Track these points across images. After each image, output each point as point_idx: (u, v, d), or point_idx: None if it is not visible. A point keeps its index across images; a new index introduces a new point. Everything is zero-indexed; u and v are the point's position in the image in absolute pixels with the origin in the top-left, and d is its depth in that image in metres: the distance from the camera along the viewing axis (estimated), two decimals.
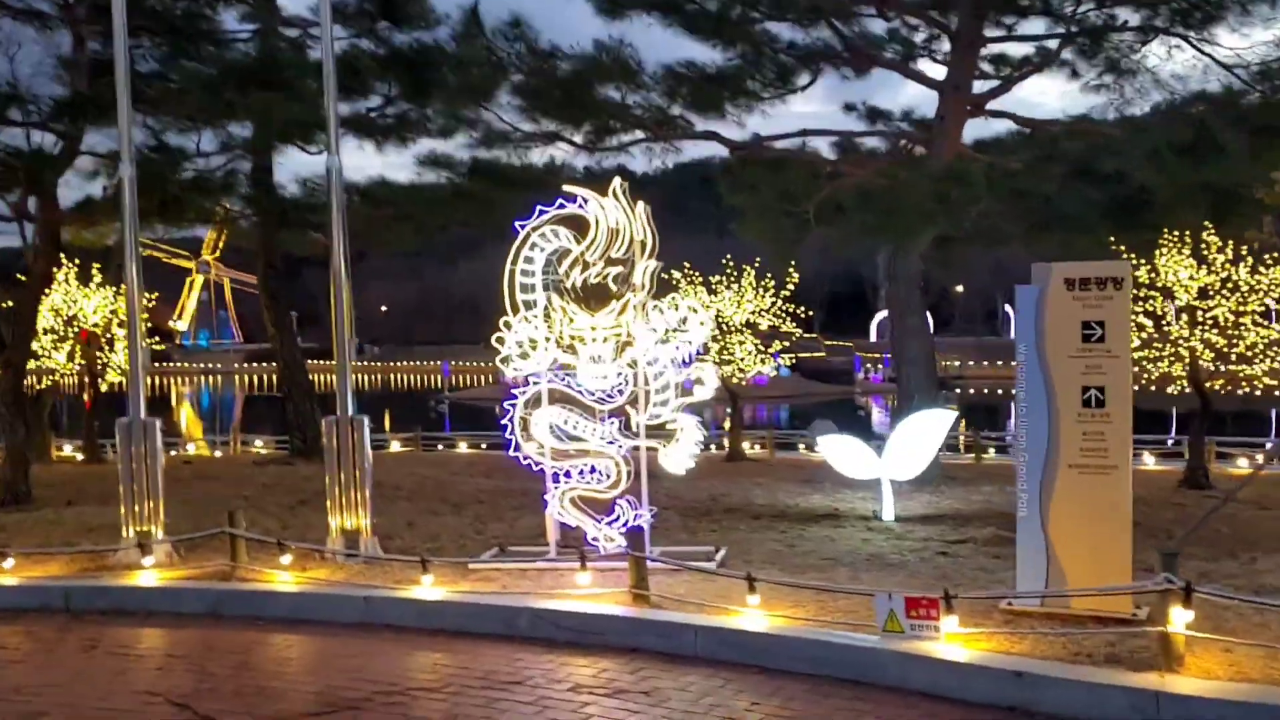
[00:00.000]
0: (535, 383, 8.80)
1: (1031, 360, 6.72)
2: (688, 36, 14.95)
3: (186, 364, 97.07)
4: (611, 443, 8.64)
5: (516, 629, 7.41)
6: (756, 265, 16.92)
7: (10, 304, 14.51)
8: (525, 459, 8.87)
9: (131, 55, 10.95)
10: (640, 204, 8.65)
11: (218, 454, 24.00)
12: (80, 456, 19.56)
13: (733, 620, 6.85)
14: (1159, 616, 5.83)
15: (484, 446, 22.29)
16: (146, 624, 8.26)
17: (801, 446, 21.30)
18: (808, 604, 7.09)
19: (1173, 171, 10.76)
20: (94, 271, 18.75)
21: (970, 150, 14.21)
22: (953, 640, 6.20)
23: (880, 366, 73.09)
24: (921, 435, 10.15)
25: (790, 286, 16.43)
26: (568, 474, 8.79)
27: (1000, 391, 63.46)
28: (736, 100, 14.70)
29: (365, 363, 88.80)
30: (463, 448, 21.57)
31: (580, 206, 8.70)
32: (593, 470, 8.72)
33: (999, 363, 73.57)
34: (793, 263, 16.34)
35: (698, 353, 8.65)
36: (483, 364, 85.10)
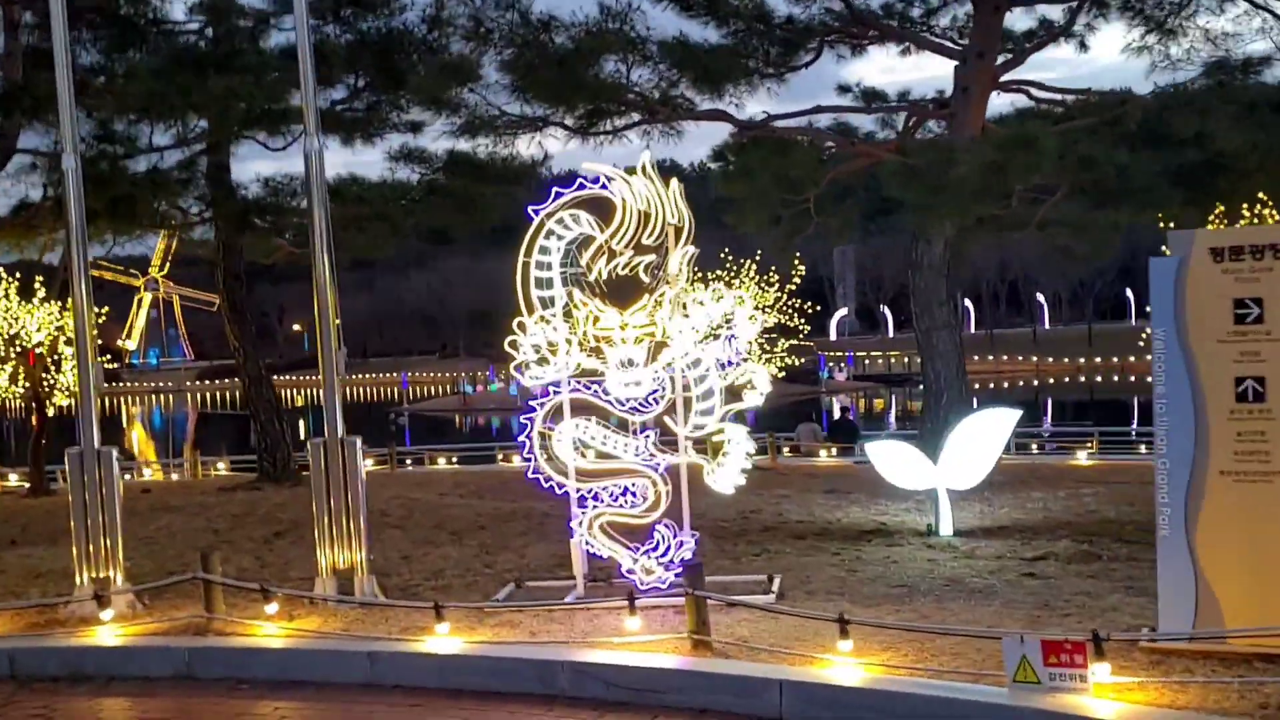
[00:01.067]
0: (556, 392, 7.59)
1: (1171, 347, 5.62)
2: (680, 13, 13.89)
3: (137, 383, 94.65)
4: (648, 459, 7.45)
5: (556, 687, 6.20)
6: (758, 258, 15.90)
7: None
8: (547, 480, 7.63)
9: (72, 44, 9.64)
10: (674, 182, 7.50)
11: (174, 477, 22.56)
12: (26, 486, 18.02)
13: (823, 672, 5.67)
14: None
15: (455, 460, 21.12)
16: (107, 692, 6.94)
17: (786, 449, 20.24)
18: (901, 646, 5.94)
19: (1268, 132, 9.77)
20: (37, 285, 17.23)
21: (993, 124, 13.20)
22: (1103, 693, 5.07)
23: (844, 365, 72.54)
24: (982, 438, 9.04)
25: (796, 280, 15.36)
26: (596, 496, 7.57)
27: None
28: (737, 79, 13.60)
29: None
30: (441, 463, 20.30)
31: (603, 187, 7.54)
32: (626, 492, 7.51)
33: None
34: (797, 255, 15.26)
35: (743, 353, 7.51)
36: (440, 375, 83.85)
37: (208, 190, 14.93)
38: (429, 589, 8.28)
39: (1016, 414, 9.27)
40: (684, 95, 13.32)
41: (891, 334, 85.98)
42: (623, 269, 7.48)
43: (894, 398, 57.36)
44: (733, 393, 7.49)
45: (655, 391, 7.45)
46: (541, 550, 9.48)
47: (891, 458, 9.55)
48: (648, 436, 7.47)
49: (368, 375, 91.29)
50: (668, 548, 7.43)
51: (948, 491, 9.39)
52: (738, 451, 7.38)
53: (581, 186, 7.59)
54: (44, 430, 17.66)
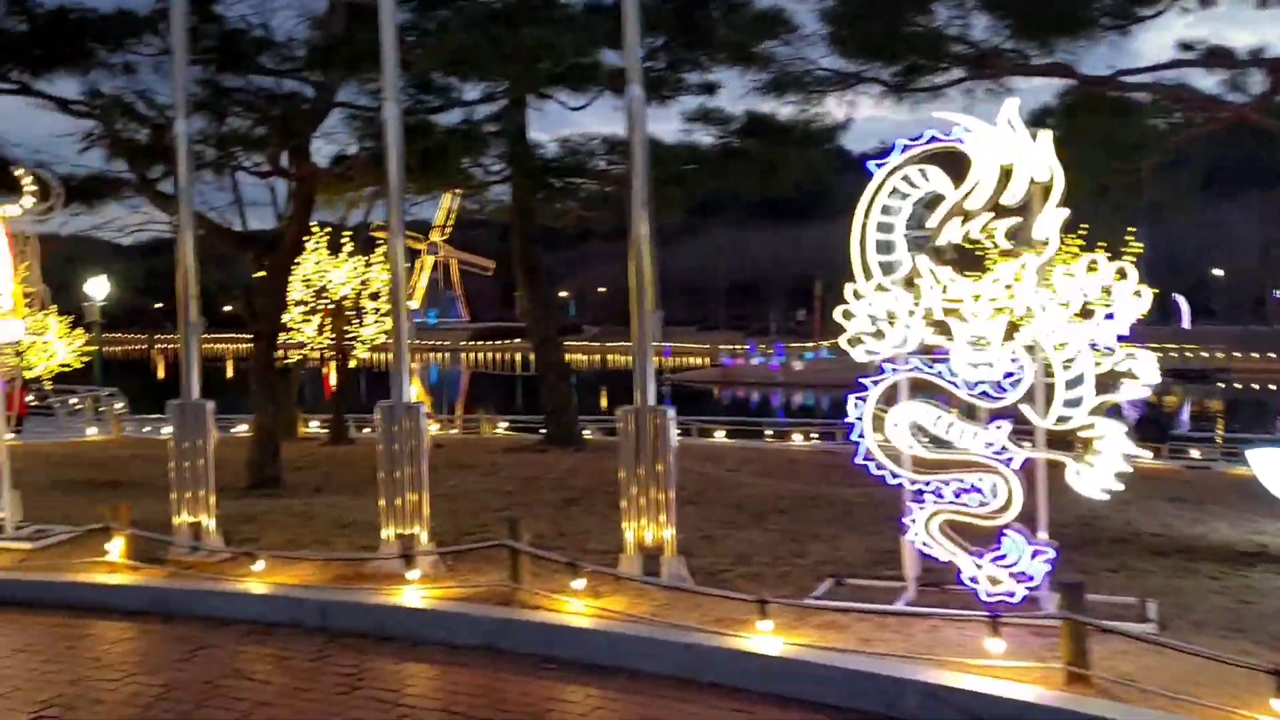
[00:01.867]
0: (894, 370, 6.74)
1: None
2: None
3: (418, 341, 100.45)
4: (999, 453, 6.47)
5: (901, 709, 5.40)
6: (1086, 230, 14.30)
7: (262, 273, 13.66)
8: (879, 468, 6.80)
9: None
10: (1044, 134, 6.45)
11: (453, 431, 23.20)
12: (325, 433, 18.92)
13: None
14: None
15: (726, 434, 20.61)
16: (413, 656, 6.73)
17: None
18: None
19: None
20: (344, 240, 17.97)
21: None
22: None
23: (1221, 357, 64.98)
24: None
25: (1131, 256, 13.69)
26: (937, 492, 6.66)
27: (1273, 386, 56.76)
28: (1077, 31, 12.13)
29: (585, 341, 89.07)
30: (719, 436, 19.82)
31: (957, 140, 6.59)
32: (972, 489, 6.57)
33: (1271, 355, 66.15)
34: (1132, 230, 13.61)
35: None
36: (701, 346, 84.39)
37: (508, 149, 14.94)
38: (738, 576, 7.68)
39: None
40: (1015, 49, 11.99)
41: (1187, 324, 78.94)
42: (978, 232, 6.53)
43: (1189, 395, 52.43)
44: (1103, 382, 6.39)
45: (1011, 375, 6.46)
46: (855, 543, 8.67)
47: None
48: (1000, 427, 6.50)
49: (629, 343, 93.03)
50: (1018, 558, 6.44)
51: None
52: (1112, 451, 6.28)
53: (934, 139, 6.69)
54: (345, 381, 18.44)
